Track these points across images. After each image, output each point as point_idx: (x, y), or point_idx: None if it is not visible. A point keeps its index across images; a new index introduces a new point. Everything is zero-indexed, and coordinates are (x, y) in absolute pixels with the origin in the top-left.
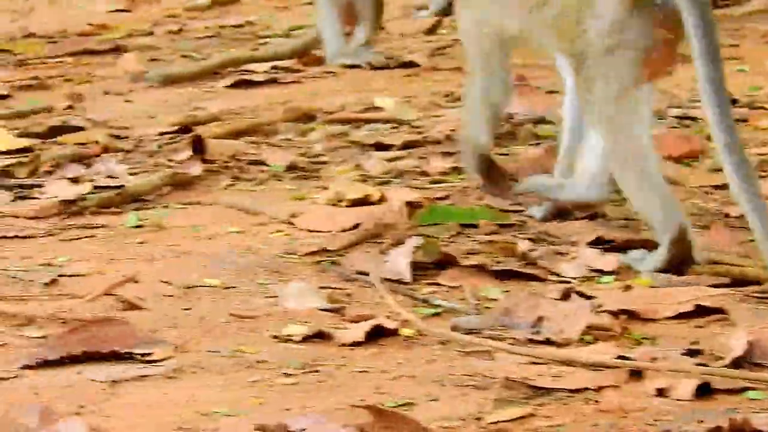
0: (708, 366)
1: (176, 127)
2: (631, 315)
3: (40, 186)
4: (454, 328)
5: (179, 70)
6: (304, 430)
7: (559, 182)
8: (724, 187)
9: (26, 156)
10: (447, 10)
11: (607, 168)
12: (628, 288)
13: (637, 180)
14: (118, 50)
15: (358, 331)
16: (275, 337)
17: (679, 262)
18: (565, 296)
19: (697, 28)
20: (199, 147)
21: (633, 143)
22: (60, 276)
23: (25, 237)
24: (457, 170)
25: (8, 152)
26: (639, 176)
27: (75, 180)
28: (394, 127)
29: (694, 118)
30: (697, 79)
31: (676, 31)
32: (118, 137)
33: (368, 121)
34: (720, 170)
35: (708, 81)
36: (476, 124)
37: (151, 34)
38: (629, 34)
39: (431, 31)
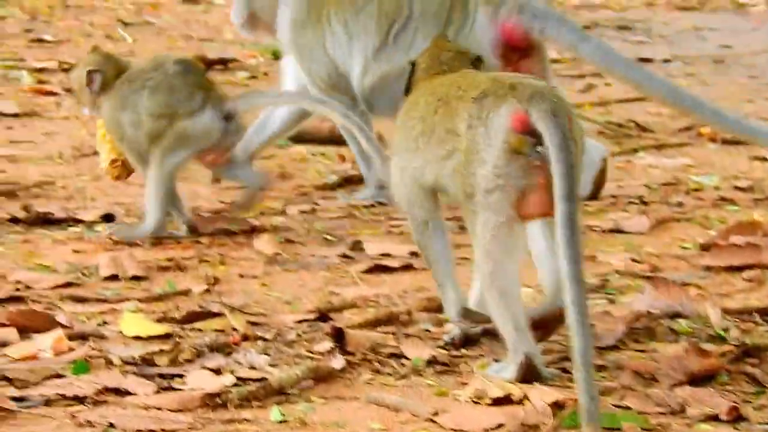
0: None
1: (314, 315)
2: None
3: (181, 376)
4: None
5: None
6: None
7: None
8: None
9: (166, 343)
10: None
11: None
12: None
13: (498, 303)
14: (252, 230)
15: None
16: None
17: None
18: None
19: (560, 173)
20: (339, 338)
21: (502, 271)
22: None
23: (168, 431)
24: (600, 370)
25: (148, 338)
26: (500, 300)
27: (216, 371)
28: None
29: None
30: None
31: (550, 177)
32: (256, 324)
33: None
34: None
35: (564, 218)
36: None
37: (283, 213)
38: (507, 178)
39: None
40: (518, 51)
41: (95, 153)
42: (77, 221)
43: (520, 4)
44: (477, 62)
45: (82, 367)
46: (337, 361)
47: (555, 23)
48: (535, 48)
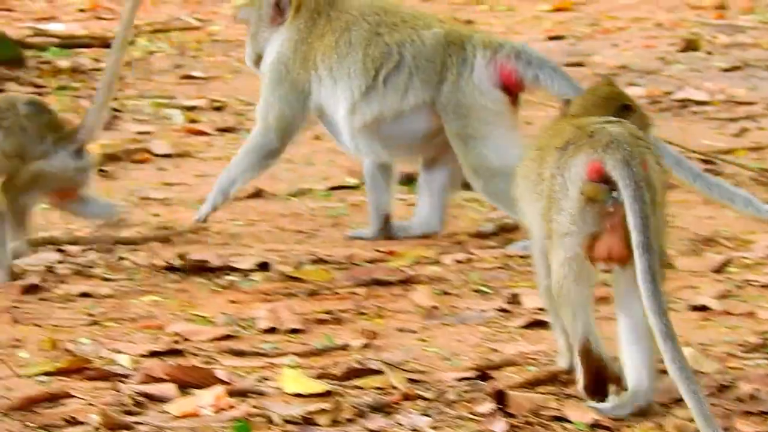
0: None
1: (473, 373)
2: None
3: None
4: None
5: None
6: None
7: None
8: None
9: (326, 401)
10: None
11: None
12: None
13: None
14: (407, 281)
15: None
16: None
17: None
18: None
19: (635, 225)
20: (500, 399)
21: (574, 300)
22: None
23: None
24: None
25: (308, 396)
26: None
27: None
28: None
29: None
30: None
31: (623, 222)
32: (415, 381)
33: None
34: None
35: (643, 270)
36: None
37: (438, 263)
38: (581, 225)
39: (720, 269)
40: (513, 95)
41: (250, 197)
42: (233, 269)
43: (516, 51)
44: (623, 111)
45: (244, 427)
46: (500, 425)
47: (549, 72)
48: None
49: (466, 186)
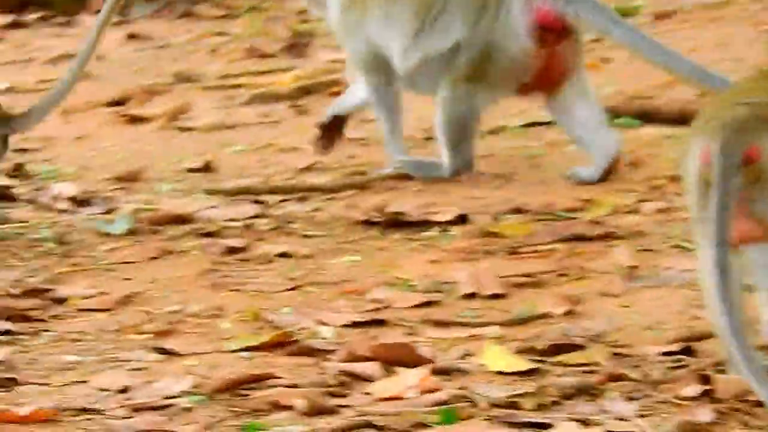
0: None
1: (677, 346)
2: None
3: (548, 426)
4: None
5: None
6: None
7: None
8: None
9: (530, 380)
10: None
11: None
12: None
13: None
14: (607, 236)
15: None
16: None
17: None
18: None
19: (710, 216)
20: (706, 382)
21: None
22: None
23: None
24: None
25: (511, 374)
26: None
27: (583, 422)
28: None
29: None
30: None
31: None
32: (620, 356)
33: None
34: None
35: (712, 265)
36: None
37: (636, 212)
38: (703, 209)
39: None
40: (554, 33)
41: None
42: (431, 223)
43: None
44: None
45: (450, 416)
46: (705, 414)
47: (588, 6)
48: (570, 30)
49: None
